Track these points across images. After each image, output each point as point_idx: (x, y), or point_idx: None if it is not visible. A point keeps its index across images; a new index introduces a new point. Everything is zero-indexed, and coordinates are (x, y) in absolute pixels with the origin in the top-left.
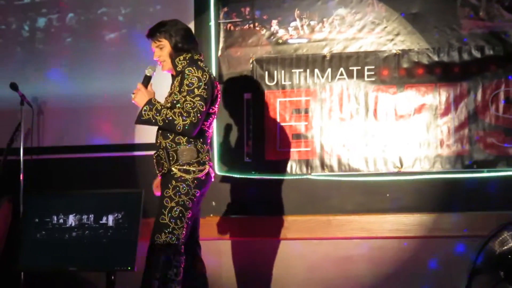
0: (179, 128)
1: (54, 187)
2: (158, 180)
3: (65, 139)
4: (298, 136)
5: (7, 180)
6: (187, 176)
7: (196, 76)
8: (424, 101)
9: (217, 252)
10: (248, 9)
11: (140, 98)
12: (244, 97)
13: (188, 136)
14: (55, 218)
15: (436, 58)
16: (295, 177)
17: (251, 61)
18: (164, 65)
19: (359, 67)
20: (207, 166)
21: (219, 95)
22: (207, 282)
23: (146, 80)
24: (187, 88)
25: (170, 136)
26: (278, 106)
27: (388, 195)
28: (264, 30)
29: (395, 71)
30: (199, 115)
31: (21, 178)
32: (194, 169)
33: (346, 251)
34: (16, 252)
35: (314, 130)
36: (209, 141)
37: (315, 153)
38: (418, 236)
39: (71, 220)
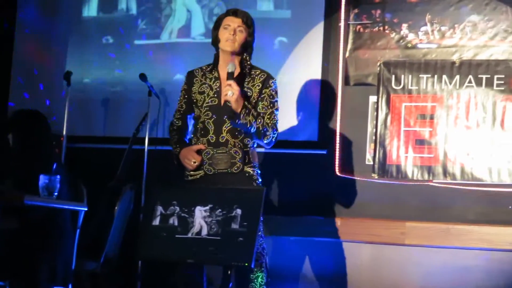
0: (267, 140)
1: (175, 179)
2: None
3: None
4: (421, 141)
5: (131, 168)
6: (260, 179)
7: (276, 91)
8: None
9: (333, 253)
10: (379, 11)
11: (237, 100)
12: (369, 100)
13: (267, 147)
14: (176, 209)
15: None
16: (416, 183)
17: (378, 64)
18: (232, 46)
19: (489, 76)
20: None
21: None
22: None
23: (231, 77)
24: (269, 99)
25: (239, 136)
26: (403, 111)
27: (510, 207)
28: (394, 34)
29: None
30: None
31: (145, 167)
32: (260, 172)
33: (464, 261)
34: (135, 240)
35: (438, 136)
36: None
37: (438, 160)
38: None
39: (192, 213)
